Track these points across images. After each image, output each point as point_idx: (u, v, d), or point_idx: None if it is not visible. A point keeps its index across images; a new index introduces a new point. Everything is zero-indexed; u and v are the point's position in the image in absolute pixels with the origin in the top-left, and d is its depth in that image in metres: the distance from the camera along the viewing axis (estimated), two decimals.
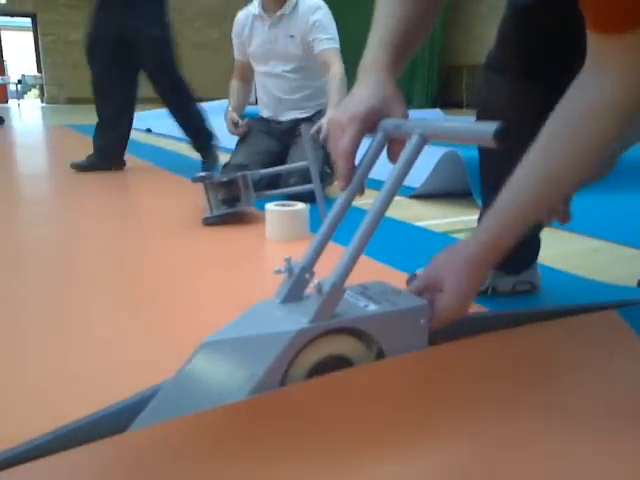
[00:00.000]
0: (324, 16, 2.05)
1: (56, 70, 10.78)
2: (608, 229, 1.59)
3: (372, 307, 0.68)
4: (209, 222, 1.68)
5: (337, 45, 2.05)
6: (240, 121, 2.16)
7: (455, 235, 1.58)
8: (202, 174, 1.70)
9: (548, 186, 0.69)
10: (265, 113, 2.27)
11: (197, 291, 1.15)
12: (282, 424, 0.58)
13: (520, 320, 0.80)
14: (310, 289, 0.67)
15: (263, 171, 1.80)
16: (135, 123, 5.09)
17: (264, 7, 2.09)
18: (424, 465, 0.56)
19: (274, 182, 1.92)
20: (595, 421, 0.62)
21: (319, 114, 2.13)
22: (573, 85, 0.67)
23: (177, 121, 2.79)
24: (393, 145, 0.72)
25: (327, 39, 2.03)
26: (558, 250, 1.36)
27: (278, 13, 2.06)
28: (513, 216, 0.70)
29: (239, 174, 1.69)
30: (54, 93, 10.87)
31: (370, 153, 0.71)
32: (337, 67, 2.00)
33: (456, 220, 1.76)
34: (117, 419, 0.59)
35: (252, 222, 1.69)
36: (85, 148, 2.84)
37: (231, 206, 1.69)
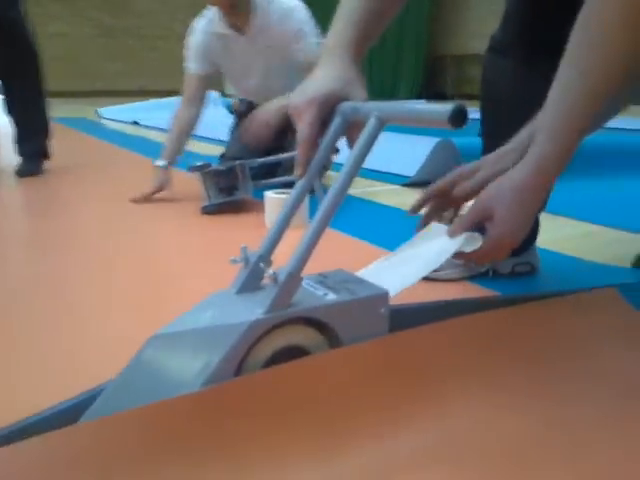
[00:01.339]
0: (298, 21, 1.84)
1: None
2: (600, 213, 1.60)
3: (331, 296, 0.66)
4: (208, 211, 1.67)
5: (318, 50, 1.81)
6: (162, 185, 1.84)
7: None
8: (199, 163, 1.69)
9: (590, 80, 0.65)
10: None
11: (194, 277, 1.15)
12: (237, 412, 0.57)
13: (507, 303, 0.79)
14: (267, 279, 0.65)
15: (260, 160, 1.77)
16: (120, 115, 5.10)
17: (230, 25, 1.86)
18: (390, 448, 0.55)
19: (272, 170, 1.88)
20: (590, 391, 0.63)
21: None
22: None
23: (15, 115, 2.42)
24: (351, 131, 0.70)
25: (307, 46, 1.83)
26: (551, 234, 1.36)
27: (250, 31, 1.85)
28: (559, 126, 0.66)
29: (237, 163, 1.68)
30: None
31: (328, 138, 0.69)
32: None
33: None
34: (66, 416, 0.57)
35: (251, 210, 1.69)
36: (80, 143, 2.80)
37: (229, 195, 1.69)
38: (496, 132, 0.64)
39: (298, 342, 0.64)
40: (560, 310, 0.79)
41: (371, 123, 0.64)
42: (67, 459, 0.53)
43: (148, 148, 3.21)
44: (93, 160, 2.90)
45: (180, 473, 0.53)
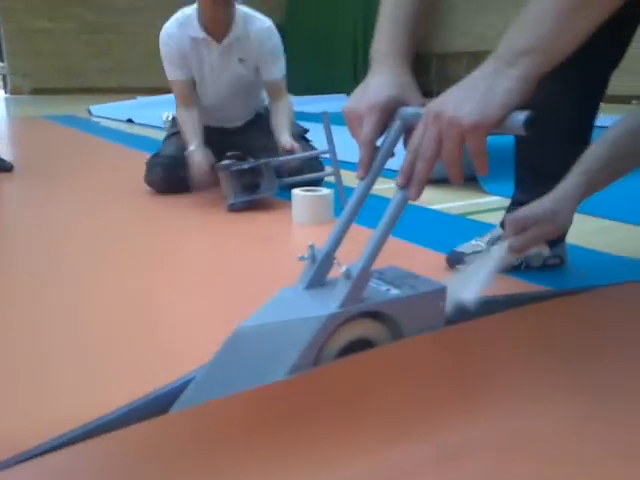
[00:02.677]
0: (278, 41, 1.96)
1: (20, 60, 10.51)
2: (612, 209, 1.65)
3: (394, 291, 0.70)
4: (234, 208, 1.71)
5: (284, 73, 2.01)
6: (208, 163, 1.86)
7: (471, 217, 1.64)
8: (226, 162, 1.72)
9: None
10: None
11: (232, 273, 1.20)
12: (316, 400, 0.60)
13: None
14: (333, 274, 0.69)
15: (282, 158, 1.79)
16: (112, 113, 5.08)
17: (208, 31, 1.87)
18: (447, 436, 0.59)
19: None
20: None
21: (259, 116, 2.13)
22: None
23: None
24: (408, 134, 0.74)
25: (280, 68, 1.98)
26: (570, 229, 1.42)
27: (227, 39, 1.88)
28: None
29: (262, 161, 1.72)
30: (18, 83, 10.60)
31: (388, 141, 0.73)
32: (287, 98, 2.00)
33: (466, 203, 1.84)
34: (157, 405, 0.60)
35: (276, 208, 1.74)
36: (81, 142, 2.80)
37: (253, 192, 1.73)
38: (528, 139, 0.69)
39: (367, 335, 0.68)
40: (596, 302, 0.84)
41: None
42: (159, 449, 0.56)
43: (150, 145, 3.22)
44: (99, 159, 2.91)
45: (267, 460, 0.56)
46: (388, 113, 0.72)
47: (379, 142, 0.73)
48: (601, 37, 0.71)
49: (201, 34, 1.87)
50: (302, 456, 0.56)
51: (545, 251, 0.82)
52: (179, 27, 1.89)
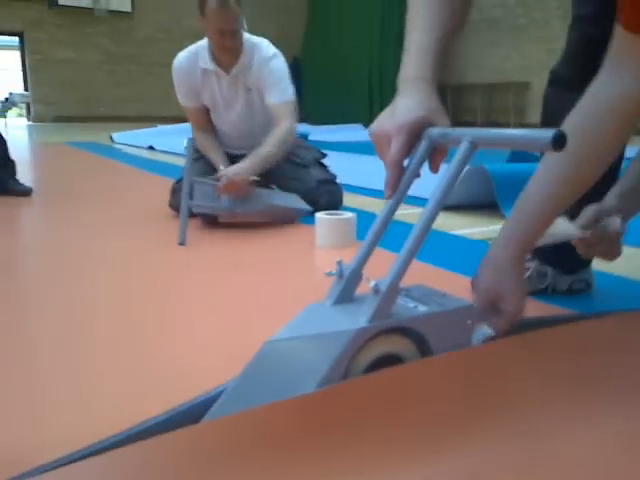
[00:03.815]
0: (277, 66, 1.95)
1: (43, 89, 10.78)
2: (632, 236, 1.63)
3: (422, 308, 0.70)
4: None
5: (289, 98, 1.96)
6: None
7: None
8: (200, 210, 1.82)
9: (565, 186, 0.78)
10: None
11: (258, 294, 1.21)
12: (345, 413, 0.60)
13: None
14: (361, 290, 0.69)
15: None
16: (133, 140, 5.18)
17: (217, 62, 1.94)
18: (478, 455, 0.59)
19: None
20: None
21: None
22: (593, 84, 0.76)
23: None
24: (435, 155, 0.75)
25: (279, 91, 1.94)
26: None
27: (235, 69, 1.94)
28: (537, 213, 0.79)
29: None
30: (42, 111, 10.86)
31: (415, 162, 0.74)
32: (287, 122, 1.92)
33: (486, 229, 1.85)
34: (188, 416, 0.61)
35: (300, 231, 1.79)
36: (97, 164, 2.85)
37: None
38: None
39: (395, 350, 0.68)
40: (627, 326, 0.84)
41: (463, 147, 0.69)
42: (191, 457, 0.56)
43: (172, 171, 3.27)
44: (122, 184, 2.98)
45: (296, 472, 0.56)
46: (416, 134, 0.74)
47: (405, 163, 0.75)
48: None
49: (211, 66, 1.95)
50: (330, 469, 0.56)
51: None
52: (190, 58, 1.98)
